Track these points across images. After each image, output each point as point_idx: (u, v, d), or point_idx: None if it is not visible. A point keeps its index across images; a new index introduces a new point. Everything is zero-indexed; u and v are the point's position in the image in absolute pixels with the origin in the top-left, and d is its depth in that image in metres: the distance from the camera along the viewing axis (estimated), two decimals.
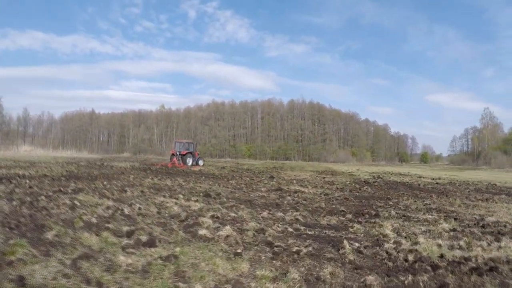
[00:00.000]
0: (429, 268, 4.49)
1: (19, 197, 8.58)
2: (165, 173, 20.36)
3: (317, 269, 4.47)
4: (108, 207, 7.87)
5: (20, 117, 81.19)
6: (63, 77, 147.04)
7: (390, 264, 4.73)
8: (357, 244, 5.64)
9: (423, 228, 7.14)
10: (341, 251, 5.21)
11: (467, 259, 4.83)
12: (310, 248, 5.36)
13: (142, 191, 11.09)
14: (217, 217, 7.45)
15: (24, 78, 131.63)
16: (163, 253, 4.80)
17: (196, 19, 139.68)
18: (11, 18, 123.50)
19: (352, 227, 7.18)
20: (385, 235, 6.36)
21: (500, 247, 5.54)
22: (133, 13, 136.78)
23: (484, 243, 5.78)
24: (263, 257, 4.91)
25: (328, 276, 4.18)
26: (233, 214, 7.93)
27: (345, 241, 5.53)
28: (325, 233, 6.66)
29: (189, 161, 29.54)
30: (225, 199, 10.38)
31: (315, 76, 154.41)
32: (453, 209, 10.07)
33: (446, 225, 7.35)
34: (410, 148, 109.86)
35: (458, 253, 5.17)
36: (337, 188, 15.79)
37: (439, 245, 5.58)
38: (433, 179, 24.62)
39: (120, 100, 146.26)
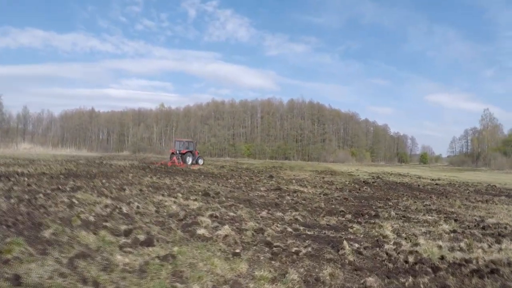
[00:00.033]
0: (429, 270, 4.44)
1: (17, 194, 8.54)
2: (164, 172, 20.31)
3: (316, 270, 4.42)
4: (106, 206, 7.83)
5: (20, 115, 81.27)
6: (63, 75, 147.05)
7: (390, 265, 4.68)
8: (356, 245, 5.58)
9: (423, 229, 7.10)
10: (340, 252, 5.16)
11: (468, 261, 4.78)
12: (310, 249, 5.32)
13: (140, 190, 11.05)
14: (216, 217, 7.40)
15: (24, 76, 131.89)
16: (161, 252, 4.75)
17: (196, 18, 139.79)
18: (12, 16, 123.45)
19: (351, 227, 7.13)
20: (385, 236, 6.32)
21: (501, 249, 5.49)
22: (133, 11, 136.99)
23: (485, 245, 5.73)
24: (262, 258, 4.86)
25: (328, 277, 4.13)
26: (232, 214, 7.89)
27: (344, 242, 5.48)
28: (325, 233, 6.61)
29: (189, 160, 29.52)
30: (224, 198, 10.34)
31: (315, 75, 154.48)
32: (453, 210, 10.03)
33: (446, 227, 7.31)
34: (410, 148, 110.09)
35: (458, 254, 5.12)
36: (337, 188, 15.75)
37: (440, 247, 5.53)
38: (433, 179, 24.59)
39: (120, 99, 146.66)
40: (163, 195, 10.21)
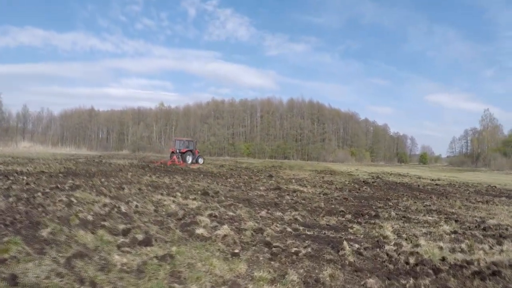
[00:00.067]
0: (430, 271, 4.39)
1: (15, 193, 8.49)
2: (164, 171, 20.27)
3: (316, 271, 4.38)
4: (104, 205, 7.78)
5: (20, 113, 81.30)
6: (63, 74, 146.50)
7: (391, 266, 4.63)
8: (357, 246, 5.54)
9: (424, 230, 7.05)
10: (340, 253, 5.12)
11: (469, 263, 4.74)
12: (309, 249, 5.27)
13: (139, 189, 11.00)
14: (215, 216, 7.36)
15: (24, 75, 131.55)
16: (159, 252, 4.71)
17: (196, 17, 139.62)
18: (12, 15, 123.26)
19: (351, 227, 7.09)
20: (385, 237, 6.27)
21: (502, 250, 5.44)
22: (133, 10, 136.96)
23: (486, 246, 5.69)
24: (261, 258, 4.81)
25: (328, 278, 4.09)
26: (231, 213, 7.84)
27: (344, 242, 5.44)
28: (324, 233, 6.56)
29: (189, 159, 29.48)
30: (223, 198, 10.29)
31: (315, 75, 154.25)
32: (453, 211, 9.98)
33: (447, 227, 7.26)
34: (409, 148, 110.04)
35: (460, 256, 5.08)
36: (336, 188, 15.70)
37: (441, 248, 5.49)
38: (432, 180, 24.56)
39: (120, 98, 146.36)
40: (162, 194, 10.16)
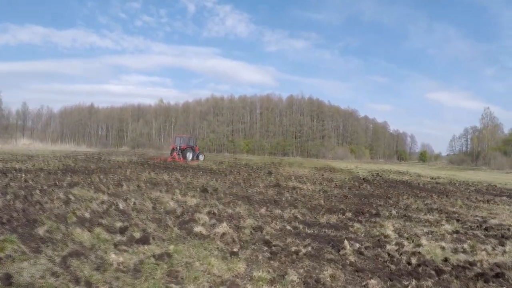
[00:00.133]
0: (433, 272, 4.31)
1: (13, 191, 8.44)
2: (163, 167, 20.21)
3: (316, 271, 4.30)
4: (102, 202, 7.71)
5: (19, 111, 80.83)
6: (63, 71, 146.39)
7: (393, 267, 4.55)
8: (357, 245, 5.45)
9: (425, 229, 6.97)
10: (341, 252, 5.03)
11: (472, 264, 4.66)
12: (309, 248, 5.19)
13: (138, 186, 10.93)
14: (214, 214, 7.28)
15: (24, 72, 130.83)
16: (157, 251, 4.63)
17: (195, 14, 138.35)
18: (11, 13, 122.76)
19: (352, 226, 7.01)
20: (386, 236, 6.19)
21: (505, 251, 5.36)
22: (133, 7, 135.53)
23: (489, 247, 5.60)
24: (260, 257, 4.74)
25: (328, 279, 4.01)
26: (230, 211, 7.77)
27: (345, 242, 5.34)
28: (325, 232, 6.49)
29: (189, 155, 29.41)
30: (222, 195, 10.22)
31: (314, 72, 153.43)
32: (454, 210, 9.90)
33: (448, 227, 7.18)
34: (409, 146, 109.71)
35: (462, 257, 5.00)
36: (336, 185, 15.64)
37: (443, 248, 5.41)
38: (432, 178, 24.48)
39: (120, 94, 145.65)
40: (160, 191, 10.08)
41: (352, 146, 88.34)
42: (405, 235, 6.39)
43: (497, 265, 4.63)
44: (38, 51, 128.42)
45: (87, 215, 6.35)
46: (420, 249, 5.28)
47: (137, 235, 5.25)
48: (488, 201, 12.41)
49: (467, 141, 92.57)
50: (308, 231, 6.41)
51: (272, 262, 4.56)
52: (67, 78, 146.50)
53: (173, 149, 29.72)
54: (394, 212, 8.87)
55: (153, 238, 5.19)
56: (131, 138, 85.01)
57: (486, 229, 7.30)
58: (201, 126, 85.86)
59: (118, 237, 5.12)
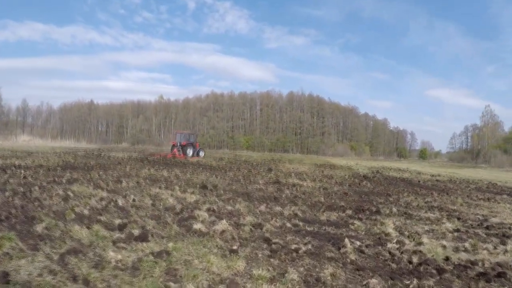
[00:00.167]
0: (434, 271, 4.26)
1: (12, 187, 8.41)
2: (162, 164, 20.18)
3: (317, 269, 4.25)
4: (101, 199, 7.68)
5: (19, 107, 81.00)
6: (63, 67, 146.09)
7: (394, 265, 4.50)
8: (358, 243, 5.41)
9: (426, 227, 6.93)
10: (342, 250, 4.98)
11: (473, 263, 4.61)
12: (310, 246, 5.14)
13: (137, 182, 10.90)
14: (213, 210, 7.24)
15: (24, 69, 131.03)
16: (155, 248, 4.59)
17: (195, 10, 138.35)
18: (11, 10, 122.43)
19: (352, 224, 6.96)
20: (387, 234, 6.14)
21: (506, 250, 5.30)
22: (132, 3, 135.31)
23: (490, 246, 5.55)
24: (260, 255, 4.69)
25: (329, 277, 3.96)
26: (229, 208, 7.73)
27: (346, 240, 5.28)
28: (325, 229, 6.45)
29: (190, 152, 29.40)
30: (222, 192, 10.19)
31: (314, 68, 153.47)
32: (455, 208, 9.86)
33: (449, 225, 7.13)
34: (409, 143, 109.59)
35: (463, 255, 4.95)
36: (336, 182, 15.61)
37: (444, 247, 5.37)
38: (433, 175, 24.46)
39: (119, 91, 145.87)
40: (160, 187, 10.05)
41: (352, 143, 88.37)
42: (406, 233, 6.35)
43: (499, 264, 4.58)
44: (38, 48, 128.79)
45: (86, 212, 6.31)
46: (421, 248, 5.23)
47: (136, 232, 5.20)
48: (488, 199, 12.37)
49: (467, 139, 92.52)
50: (308, 229, 6.37)
51: (272, 260, 4.51)
52: (66, 75, 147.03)
53: (173, 145, 29.72)
54: (394, 209, 8.84)
55: (152, 235, 5.15)
56: (131, 135, 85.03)
57: (487, 227, 7.25)
58: (201, 123, 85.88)
59: (116, 234, 5.08)
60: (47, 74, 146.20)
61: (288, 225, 6.50)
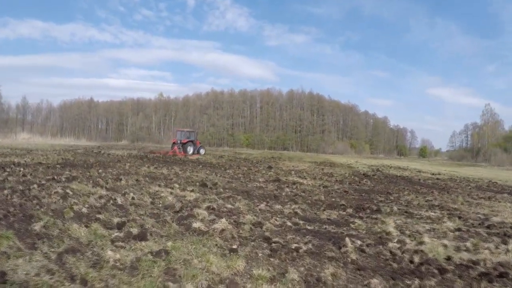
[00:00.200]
0: (436, 271, 4.22)
1: (11, 185, 8.38)
2: (162, 161, 20.13)
3: (317, 269, 4.21)
4: (100, 197, 7.64)
5: (19, 105, 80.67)
6: (62, 65, 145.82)
7: (395, 265, 4.46)
8: (359, 242, 5.36)
9: (427, 227, 6.88)
10: (342, 249, 4.94)
11: (475, 263, 4.56)
12: (310, 245, 5.10)
13: (137, 180, 10.86)
14: (213, 209, 7.20)
15: (24, 66, 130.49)
16: (154, 247, 4.55)
17: (195, 7, 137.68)
18: (11, 7, 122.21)
19: (353, 222, 6.92)
20: (388, 233, 6.09)
21: (508, 250, 5.24)
22: (132, 1, 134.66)
23: (492, 246, 5.49)
24: (260, 254, 4.66)
25: (330, 277, 3.92)
26: (229, 206, 7.68)
27: (347, 239, 5.25)
28: (325, 228, 6.40)
29: (190, 149, 29.41)
30: (221, 190, 10.15)
31: (314, 66, 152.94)
32: (456, 206, 9.80)
33: (450, 224, 7.08)
34: (409, 141, 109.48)
35: (465, 255, 4.90)
36: (336, 180, 15.56)
37: (445, 246, 5.31)
38: (433, 174, 24.40)
39: (119, 88, 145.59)
40: (159, 185, 10.01)
41: (352, 141, 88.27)
42: (407, 232, 6.30)
43: (501, 264, 4.54)
44: (38, 45, 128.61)
45: (84, 210, 6.27)
46: (422, 247, 5.18)
47: (135, 231, 5.16)
48: (489, 198, 12.31)
49: (467, 137, 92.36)
50: (309, 228, 6.33)
51: (272, 259, 4.48)
52: (66, 72, 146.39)
53: (174, 143, 29.71)
54: (395, 208, 8.79)
55: (151, 234, 5.11)
56: (130, 132, 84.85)
57: (488, 227, 7.19)
58: (201, 120, 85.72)
59: (115, 233, 5.04)
60: (47, 71, 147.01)
61: (288, 223, 6.46)
